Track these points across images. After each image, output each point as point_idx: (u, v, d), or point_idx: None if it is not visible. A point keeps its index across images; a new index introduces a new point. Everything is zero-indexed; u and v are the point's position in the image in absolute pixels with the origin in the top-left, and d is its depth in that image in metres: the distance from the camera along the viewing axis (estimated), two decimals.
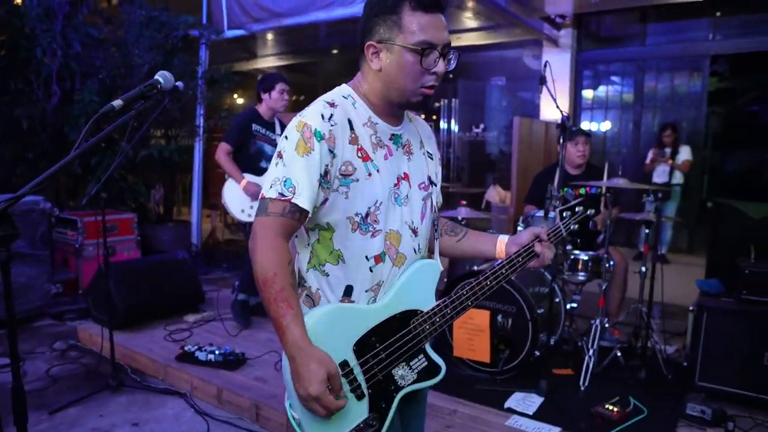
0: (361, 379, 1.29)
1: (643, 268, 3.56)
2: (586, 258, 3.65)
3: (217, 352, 3.53)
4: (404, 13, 1.27)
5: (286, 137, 1.29)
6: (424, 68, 1.29)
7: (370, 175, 1.32)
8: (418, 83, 1.31)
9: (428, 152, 1.51)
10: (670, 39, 7.88)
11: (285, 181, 1.25)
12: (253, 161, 4.15)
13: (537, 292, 3.42)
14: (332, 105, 1.31)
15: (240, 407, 3.14)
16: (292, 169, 1.25)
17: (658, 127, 7.27)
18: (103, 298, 3.88)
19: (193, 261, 5.28)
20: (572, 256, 3.66)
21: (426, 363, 1.39)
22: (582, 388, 3.17)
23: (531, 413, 2.93)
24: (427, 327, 1.38)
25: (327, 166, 1.27)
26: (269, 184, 1.27)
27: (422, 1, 1.26)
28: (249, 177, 4.11)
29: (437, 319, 1.39)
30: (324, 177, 1.27)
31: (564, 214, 1.64)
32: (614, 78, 8.25)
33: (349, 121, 1.32)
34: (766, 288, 3.01)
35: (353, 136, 1.32)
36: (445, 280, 3.89)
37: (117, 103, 1.37)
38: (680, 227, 7.49)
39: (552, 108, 7.08)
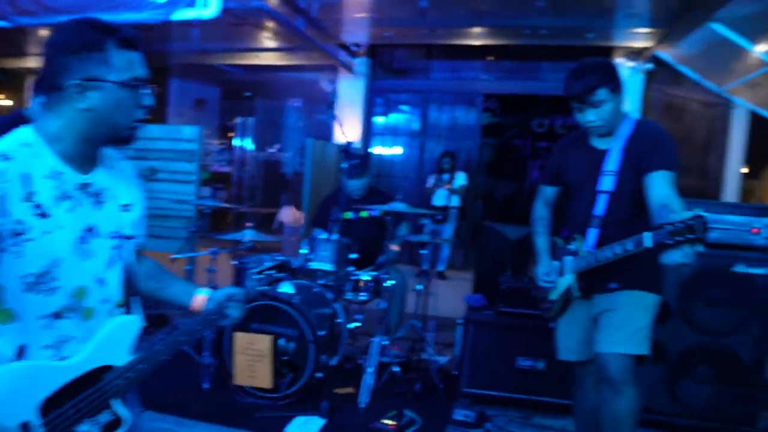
0: None
1: (419, 286, 3.82)
2: (368, 278, 3.78)
3: None
4: (111, 51, 1.30)
5: None
6: (136, 103, 1.34)
7: (47, 233, 1.25)
8: (131, 118, 1.35)
9: (124, 205, 1.46)
10: (450, 76, 8.75)
11: None
12: None
13: (319, 314, 3.45)
14: (6, 158, 1.24)
15: None
16: None
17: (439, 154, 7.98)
18: None
19: None
20: (353, 277, 3.75)
21: (112, 417, 1.39)
22: (362, 406, 3.26)
23: None
24: (119, 382, 1.37)
25: None
26: None
27: (128, 40, 1.32)
28: None
29: (130, 375, 1.39)
30: None
31: (259, 276, 1.75)
32: (403, 107, 8.88)
33: (25, 176, 1.24)
34: (519, 301, 3.42)
35: (29, 192, 1.24)
36: None
37: None
38: (457, 246, 8.26)
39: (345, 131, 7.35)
